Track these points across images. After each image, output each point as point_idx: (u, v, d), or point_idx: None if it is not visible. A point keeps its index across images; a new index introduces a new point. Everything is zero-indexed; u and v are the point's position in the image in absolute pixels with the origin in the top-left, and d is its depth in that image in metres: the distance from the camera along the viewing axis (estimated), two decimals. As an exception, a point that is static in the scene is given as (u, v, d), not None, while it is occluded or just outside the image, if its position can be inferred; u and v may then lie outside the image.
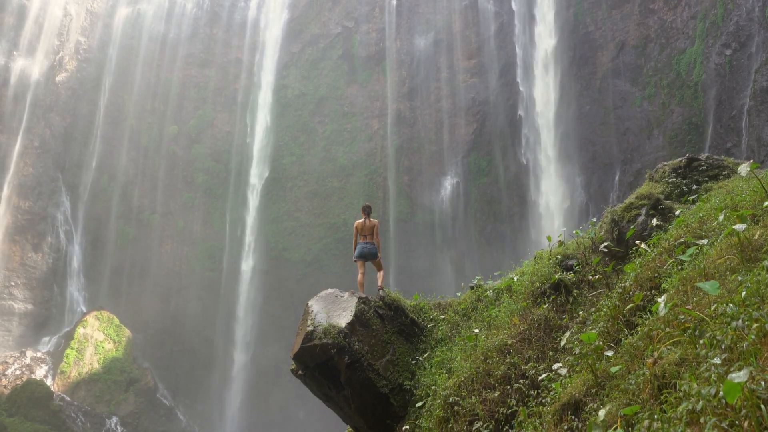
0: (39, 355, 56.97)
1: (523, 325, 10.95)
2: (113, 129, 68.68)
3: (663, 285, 7.81)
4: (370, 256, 14.76)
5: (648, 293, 8.36)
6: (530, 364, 9.83)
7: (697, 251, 7.86)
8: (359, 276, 14.79)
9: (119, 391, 56.86)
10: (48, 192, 64.56)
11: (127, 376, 58.08)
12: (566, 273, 12.29)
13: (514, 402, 9.19)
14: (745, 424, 4.11)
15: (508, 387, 9.59)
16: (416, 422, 11.32)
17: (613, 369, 6.60)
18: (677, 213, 11.10)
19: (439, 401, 10.49)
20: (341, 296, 13.81)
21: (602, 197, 52.23)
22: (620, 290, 8.98)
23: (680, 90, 48.65)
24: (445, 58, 65.84)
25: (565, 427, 6.97)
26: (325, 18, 71.14)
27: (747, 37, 42.31)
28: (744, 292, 5.68)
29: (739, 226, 6.83)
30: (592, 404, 6.78)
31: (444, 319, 14.04)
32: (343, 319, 12.93)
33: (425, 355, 12.92)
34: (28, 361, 55.72)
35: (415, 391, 12.23)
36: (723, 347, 5.10)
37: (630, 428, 5.42)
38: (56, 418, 49.57)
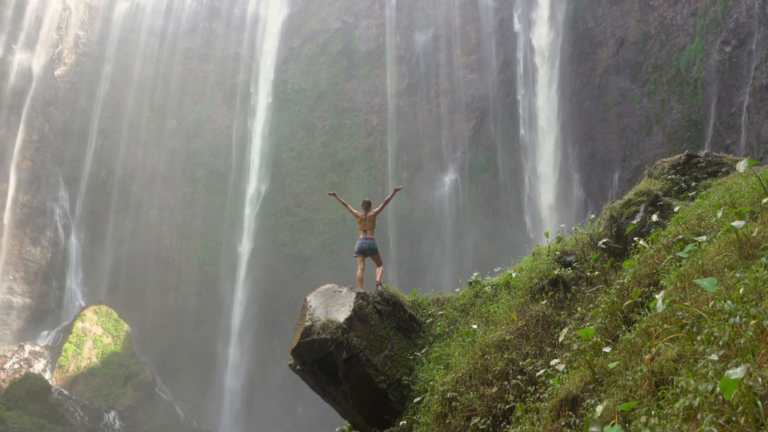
0: (37, 349, 56.98)
1: (521, 321, 10.95)
2: (112, 123, 68.57)
3: (661, 281, 7.81)
4: (369, 252, 14.75)
5: (646, 290, 8.37)
6: (528, 360, 9.84)
7: (696, 248, 7.86)
8: (358, 271, 14.77)
9: (118, 386, 56.89)
10: (47, 186, 64.47)
11: (126, 371, 58.11)
12: (565, 269, 12.29)
13: (511, 398, 9.20)
14: (742, 421, 4.12)
15: (506, 383, 9.59)
16: (414, 417, 11.34)
17: (611, 365, 6.60)
18: (676, 210, 11.11)
19: (437, 397, 10.50)
20: (340, 291, 13.79)
21: (601, 194, 52.22)
22: (618, 286, 8.99)
23: (680, 87, 48.60)
24: (445, 53, 65.78)
25: (563, 423, 6.97)
26: (324, 13, 71.01)
27: (747, 34, 42.25)
28: (742, 289, 5.68)
29: (738, 223, 6.83)
30: (589, 400, 6.78)
31: (442, 314, 14.03)
32: (342, 314, 12.91)
33: (423, 351, 12.91)
34: (26, 355, 55.73)
35: (413, 387, 12.24)
36: (720, 344, 5.10)
37: (627, 424, 5.42)
38: (54, 411, 49.58)
